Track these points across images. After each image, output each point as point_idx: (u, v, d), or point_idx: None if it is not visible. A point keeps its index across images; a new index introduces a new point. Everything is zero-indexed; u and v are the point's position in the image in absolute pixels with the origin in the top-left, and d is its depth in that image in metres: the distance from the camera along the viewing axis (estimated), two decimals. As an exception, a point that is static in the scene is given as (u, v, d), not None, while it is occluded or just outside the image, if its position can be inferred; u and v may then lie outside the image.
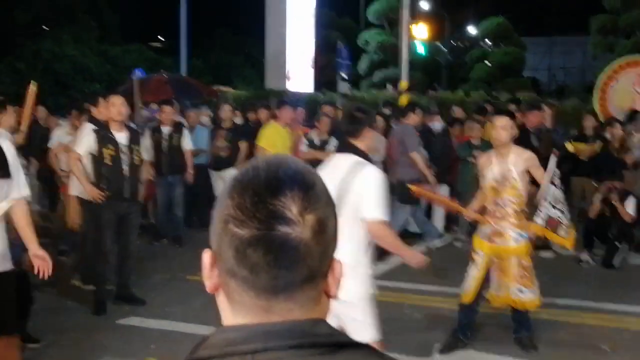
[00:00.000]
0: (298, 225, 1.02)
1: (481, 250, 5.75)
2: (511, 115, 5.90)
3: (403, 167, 9.50)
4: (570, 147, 10.23)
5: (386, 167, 10.54)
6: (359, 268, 4.02)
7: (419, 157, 9.54)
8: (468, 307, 5.89)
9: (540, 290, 5.85)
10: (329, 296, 1.11)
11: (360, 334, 3.85)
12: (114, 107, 6.91)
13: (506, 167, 5.65)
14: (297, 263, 1.03)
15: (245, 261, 1.02)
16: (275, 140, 9.67)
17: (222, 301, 1.11)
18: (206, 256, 1.10)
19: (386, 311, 4.95)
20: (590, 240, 9.34)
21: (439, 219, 10.72)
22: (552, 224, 5.73)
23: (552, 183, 5.72)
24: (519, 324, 5.99)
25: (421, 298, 7.23)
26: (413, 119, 9.93)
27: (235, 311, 1.08)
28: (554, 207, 5.71)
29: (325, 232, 1.06)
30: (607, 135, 10.72)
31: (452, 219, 10.71)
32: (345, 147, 4.25)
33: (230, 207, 1.04)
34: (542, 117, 9.99)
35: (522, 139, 9.55)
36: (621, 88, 14.77)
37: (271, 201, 1.02)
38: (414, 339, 6.18)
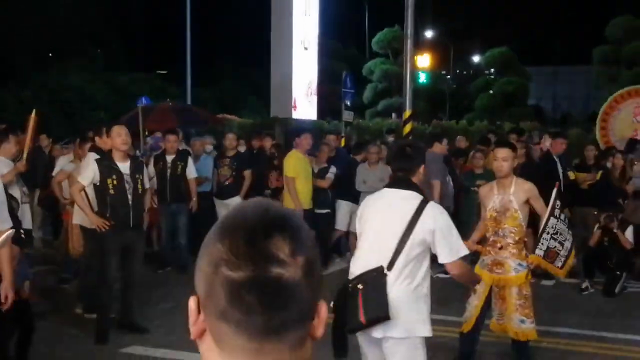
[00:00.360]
0: (290, 266, 1.05)
1: (482, 279, 5.75)
2: (512, 147, 5.96)
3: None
4: (572, 175, 10.27)
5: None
6: (412, 310, 4.10)
7: (438, 185, 9.58)
8: (468, 336, 5.91)
9: (536, 319, 5.88)
10: (313, 338, 1.14)
11: None
12: (119, 137, 6.95)
13: (507, 197, 5.69)
14: (290, 304, 1.05)
15: (239, 303, 1.04)
16: (299, 169, 9.79)
17: (207, 347, 1.12)
18: (192, 302, 1.12)
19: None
20: (591, 268, 9.35)
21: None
22: (550, 256, 5.81)
23: (553, 215, 5.77)
24: (519, 353, 5.99)
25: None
26: (439, 147, 10.05)
27: (225, 355, 1.09)
28: (554, 239, 5.76)
29: (314, 274, 1.09)
30: (608, 164, 10.79)
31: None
32: (399, 184, 4.27)
33: (221, 251, 1.06)
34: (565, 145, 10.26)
35: (547, 165, 9.75)
36: (622, 118, 14.90)
37: (264, 244, 1.05)
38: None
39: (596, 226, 9.46)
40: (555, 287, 9.28)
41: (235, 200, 11.05)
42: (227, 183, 11.01)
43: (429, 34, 34.93)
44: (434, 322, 4.30)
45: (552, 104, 47.77)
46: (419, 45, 26.74)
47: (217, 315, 1.07)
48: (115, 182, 6.93)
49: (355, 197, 10.26)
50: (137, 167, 7.19)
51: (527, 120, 24.11)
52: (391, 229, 4.07)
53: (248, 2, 31.23)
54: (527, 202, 5.74)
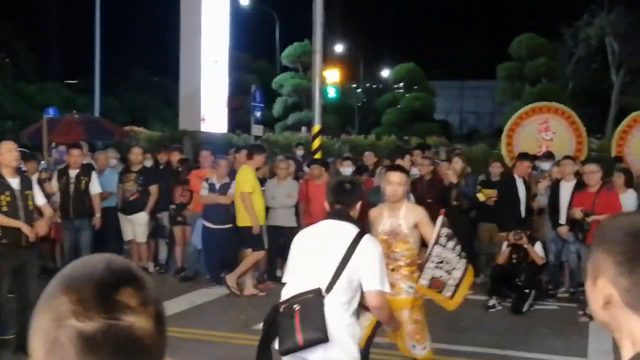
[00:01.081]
0: (142, 315, 1.05)
1: None
2: (405, 171, 5.95)
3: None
4: (481, 197, 10.44)
5: (297, 210, 10.58)
6: (349, 334, 4.13)
7: None
8: (361, 354, 5.80)
9: (440, 337, 5.80)
10: None
11: None
12: (9, 153, 6.77)
13: (397, 221, 5.64)
14: (143, 354, 1.05)
15: (92, 356, 1.01)
16: (254, 184, 9.65)
17: None
18: None
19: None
20: (499, 286, 9.45)
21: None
22: (436, 285, 5.64)
23: (437, 243, 5.60)
24: None
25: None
26: None
27: None
28: (439, 267, 5.62)
29: (164, 323, 1.10)
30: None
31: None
32: (337, 216, 4.34)
33: (68, 303, 1.03)
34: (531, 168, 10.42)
35: (508, 186, 9.84)
36: (527, 134, 15.22)
37: (113, 294, 1.04)
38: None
39: (505, 244, 9.54)
40: (462, 306, 9.32)
41: (141, 216, 10.82)
42: (132, 198, 10.80)
43: (338, 47, 35.21)
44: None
45: (459, 118, 48.96)
46: (329, 59, 26.88)
47: None
48: (8, 198, 6.70)
49: None
50: (26, 183, 7.01)
51: (433, 135, 24.65)
52: (330, 256, 4.12)
53: (159, 12, 30.79)
54: (416, 226, 5.67)
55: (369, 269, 4.13)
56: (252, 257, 9.78)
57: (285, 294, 4.22)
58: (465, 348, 7.27)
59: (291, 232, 10.36)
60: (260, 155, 9.97)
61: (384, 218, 5.70)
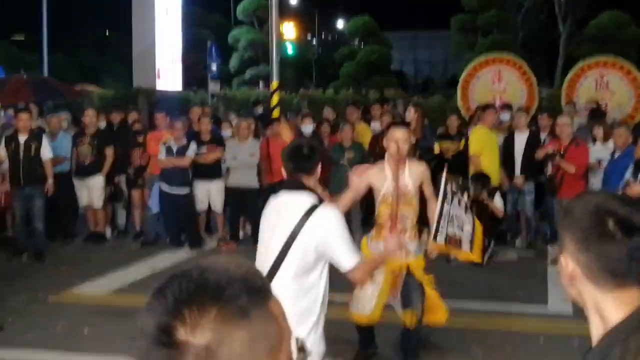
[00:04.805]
0: None
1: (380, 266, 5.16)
2: (408, 126, 5.66)
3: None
4: (437, 148, 10.43)
5: (260, 170, 10.43)
6: (310, 313, 3.65)
7: None
8: (369, 331, 5.60)
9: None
10: None
11: None
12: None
13: (403, 181, 5.32)
14: None
15: None
16: None
17: None
18: None
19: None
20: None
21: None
22: (453, 242, 5.51)
23: (446, 200, 5.42)
24: (407, 343, 5.68)
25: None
26: None
27: None
28: (451, 225, 5.48)
29: None
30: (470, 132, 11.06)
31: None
32: (292, 186, 3.88)
33: None
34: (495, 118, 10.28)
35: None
36: (481, 85, 15.45)
37: None
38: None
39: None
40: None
41: (97, 180, 10.56)
42: (87, 162, 10.52)
43: (294, 1, 34.68)
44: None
45: (414, 68, 49.04)
46: (284, 11, 26.50)
47: None
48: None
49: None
50: None
51: (391, 88, 24.58)
52: (277, 237, 3.70)
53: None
54: (420, 185, 5.46)
55: (334, 245, 3.67)
56: None
57: None
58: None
59: (253, 193, 10.29)
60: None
61: (386, 179, 5.34)
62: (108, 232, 11.04)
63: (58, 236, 10.54)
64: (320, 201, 3.83)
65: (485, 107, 10.48)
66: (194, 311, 0.97)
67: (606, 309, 1.58)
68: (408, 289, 5.39)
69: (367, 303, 5.35)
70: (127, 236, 11.00)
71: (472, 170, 9.66)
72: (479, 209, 9.34)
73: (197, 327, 0.96)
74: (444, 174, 5.52)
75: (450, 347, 6.20)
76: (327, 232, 3.66)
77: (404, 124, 5.76)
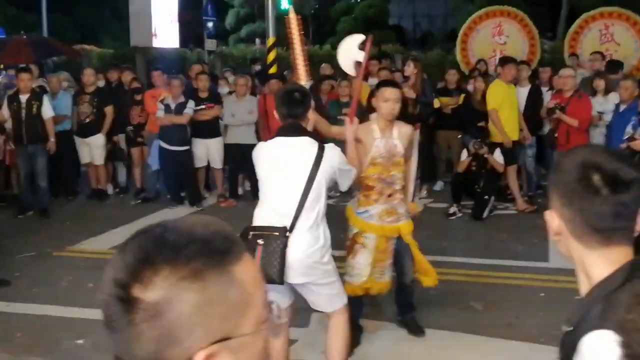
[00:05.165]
0: None
1: (371, 232, 5.14)
2: (399, 86, 5.45)
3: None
4: (436, 103, 10.43)
5: (258, 126, 10.48)
6: (321, 237, 4.24)
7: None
8: (358, 300, 5.27)
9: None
10: None
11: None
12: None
13: (392, 142, 5.16)
14: None
15: None
16: None
17: None
18: None
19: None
20: (458, 193, 9.52)
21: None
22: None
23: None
24: (403, 297, 5.69)
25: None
26: None
27: None
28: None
29: None
30: (470, 87, 11.08)
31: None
32: (292, 131, 4.26)
33: None
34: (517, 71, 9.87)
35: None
36: (481, 39, 15.22)
37: None
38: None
39: (464, 153, 9.50)
40: (422, 214, 9.37)
41: (98, 138, 10.64)
42: (87, 120, 10.61)
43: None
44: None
45: (412, 22, 48.56)
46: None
47: None
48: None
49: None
50: None
51: (389, 43, 24.40)
52: (293, 183, 4.16)
53: None
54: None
55: (340, 174, 4.36)
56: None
57: (257, 215, 4.26)
58: (427, 257, 7.30)
59: (251, 150, 10.30)
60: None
61: (375, 139, 5.14)
62: (110, 189, 11.17)
63: (61, 193, 10.69)
64: (322, 142, 4.33)
65: (504, 62, 9.98)
66: (148, 269, 0.99)
67: (591, 266, 1.56)
68: (399, 253, 5.37)
69: (363, 269, 5.15)
70: (128, 193, 11.11)
71: (490, 126, 9.57)
72: (478, 163, 9.42)
73: (149, 285, 0.98)
74: (417, 131, 5.50)
75: (450, 302, 6.15)
76: (336, 168, 4.29)
77: (394, 83, 5.59)
